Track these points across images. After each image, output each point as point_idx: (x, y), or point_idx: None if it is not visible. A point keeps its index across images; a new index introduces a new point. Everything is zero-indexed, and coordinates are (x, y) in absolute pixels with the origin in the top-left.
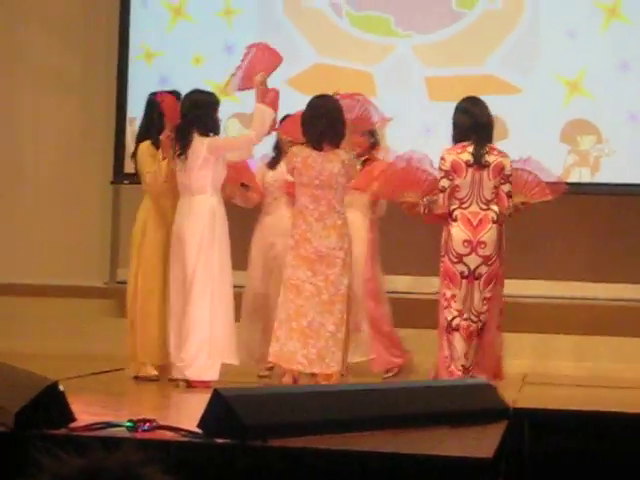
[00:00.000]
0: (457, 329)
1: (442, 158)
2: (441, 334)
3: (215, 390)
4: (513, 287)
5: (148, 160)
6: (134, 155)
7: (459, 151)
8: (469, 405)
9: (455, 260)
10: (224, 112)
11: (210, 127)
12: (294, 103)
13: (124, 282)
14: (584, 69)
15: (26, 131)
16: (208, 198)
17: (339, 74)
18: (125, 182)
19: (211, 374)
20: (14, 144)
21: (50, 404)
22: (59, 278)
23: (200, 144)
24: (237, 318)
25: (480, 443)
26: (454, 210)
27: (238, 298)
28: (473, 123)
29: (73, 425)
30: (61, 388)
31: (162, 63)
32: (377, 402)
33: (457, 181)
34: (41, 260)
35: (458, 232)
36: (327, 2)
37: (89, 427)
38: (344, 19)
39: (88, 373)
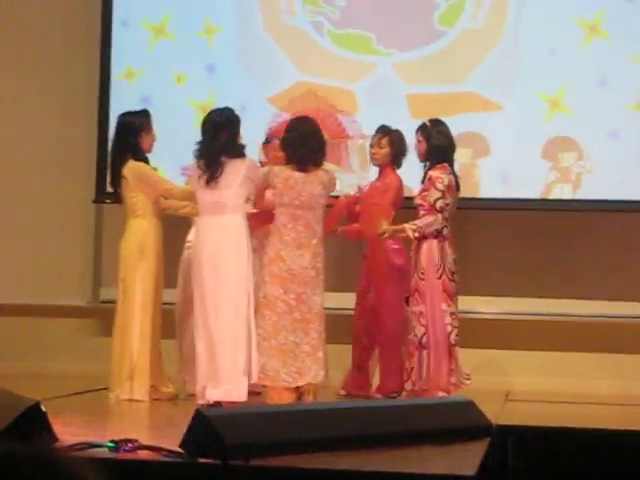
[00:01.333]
0: (456, 344)
1: (439, 178)
2: (437, 349)
3: (197, 409)
4: (500, 305)
5: (161, 178)
6: (117, 179)
7: (449, 171)
8: (452, 422)
9: (451, 277)
10: None
11: (239, 149)
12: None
13: (107, 301)
14: (564, 86)
15: (6, 150)
16: (242, 217)
17: (320, 92)
18: (107, 201)
19: (243, 394)
20: None
21: (32, 425)
22: (41, 297)
23: (240, 164)
24: None
25: (463, 460)
26: (443, 229)
27: None
28: (450, 144)
29: (55, 446)
30: (43, 409)
31: (143, 82)
32: (360, 420)
33: (447, 201)
34: (22, 279)
35: (449, 251)
36: (308, 20)
37: (71, 448)
38: (325, 37)
39: (70, 393)
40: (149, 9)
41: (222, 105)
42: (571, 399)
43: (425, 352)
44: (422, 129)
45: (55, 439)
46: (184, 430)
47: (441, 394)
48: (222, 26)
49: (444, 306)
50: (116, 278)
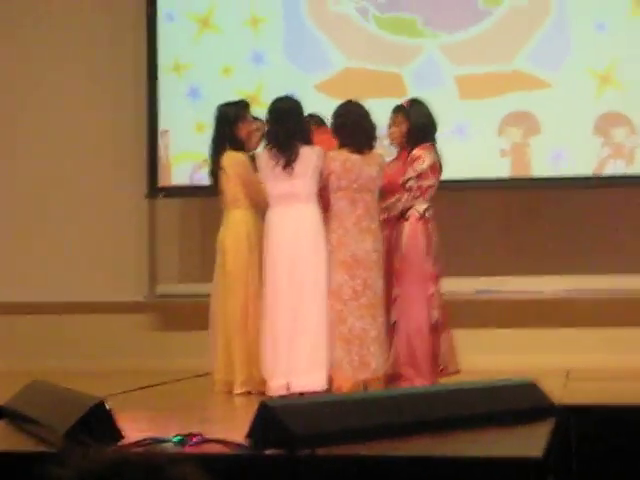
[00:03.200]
0: (441, 330)
1: (419, 157)
2: (421, 335)
3: (262, 401)
4: (551, 283)
5: (257, 174)
6: (216, 168)
7: (433, 152)
8: (515, 404)
9: (435, 260)
10: None
11: (309, 135)
12: (324, 109)
13: (164, 296)
14: (614, 61)
15: (58, 147)
16: (315, 206)
17: (369, 77)
18: (160, 195)
19: (322, 383)
20: (47, 161)
21: (98, 422)
22: (97, 294)
23: (310, 152)
24: None
25: (529, 442)
26: (426, 210)
27: None
28: (433, 124)
29: (121, 443)
30: (108, 406)
31: (191, 74)
32: (423, 406)
33: (431, 182)
34: (78, 277)
35: (434, 234)
36: (353, 6)
37: (137, 444)
38: (371, 22)
39: (133, 388)
40: (194, 1)
41: (271, 94)
42: (634, 375)
43: (398, 337)
44: (401, 109)
45: (120, 436)
46: (248, 423)
47: (419, 381)
48: (267, 16)
49: (427, 289)
50: (177, 273)
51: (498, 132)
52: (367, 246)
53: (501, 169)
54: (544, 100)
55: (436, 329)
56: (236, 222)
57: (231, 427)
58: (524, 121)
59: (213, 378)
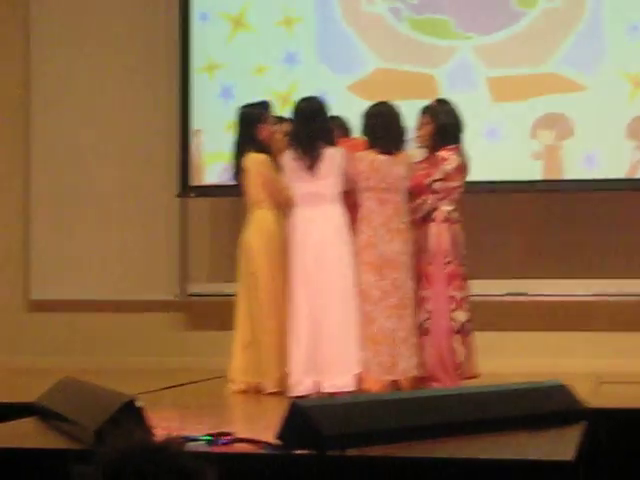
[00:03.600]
0: (469, 333)
1: (446, 159)
2: (449, 337)
3: (292, 401)
4: (583, 287)
5: (278, 175)
6: (239, 170)
7: (460, 153)
8: (546, 407)
9: (463, 262)
10: None
11: (332, 136)
12: (356, 110)
13: (196, 295)
14: None
15: (90, 147)
16: (340, 206)
17: (402, 78)
18: (191, 195)
19: (351, 384)
20: (78, 160)
21: (128, 420)
22: (129, 293)
23: (335, 152)
24: None
25: (560, 446)
26: (452, 212)
27: None
28: (459, 125)
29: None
30: (139, 404)
31: (224, 74)
32: (453, 408)
33: (457, 183)
34: (110, 276)
35: (461, 234)
36: (386, 7)
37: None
38: (404, 23)
39: (164, 387)
40: (227, 1)
41: (303, 95)
42: None
43: (427, 338)
44: (428, 110)
45: (152, 434)
46: (279, 422)
47: (448, 383)
48: (301, 16)
49: (454, 292)
50: (208, 272)
51: (531, 135)
52: (396, 247)
53: (533, 172)
54: (577, 103)
55: (464, 331)
56: (260, 223)
57: (262, 427)
58: (557, 124)
59: (227, 377)
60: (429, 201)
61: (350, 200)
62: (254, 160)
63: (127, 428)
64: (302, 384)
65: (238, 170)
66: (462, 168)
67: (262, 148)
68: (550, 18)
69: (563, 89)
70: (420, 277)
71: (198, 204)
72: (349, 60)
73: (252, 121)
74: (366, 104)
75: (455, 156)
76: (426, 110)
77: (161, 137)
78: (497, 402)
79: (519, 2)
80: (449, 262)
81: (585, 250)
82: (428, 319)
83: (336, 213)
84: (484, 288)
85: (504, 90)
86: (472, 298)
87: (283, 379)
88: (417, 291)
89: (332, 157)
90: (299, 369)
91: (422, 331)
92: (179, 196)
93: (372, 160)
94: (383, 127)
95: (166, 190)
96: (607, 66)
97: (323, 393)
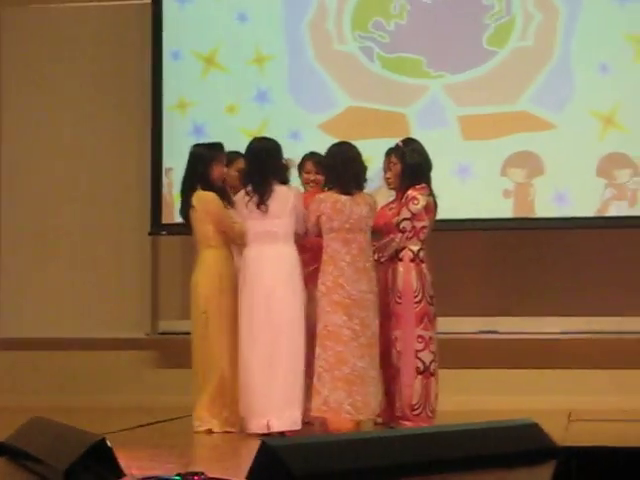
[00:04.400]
0: (434, 373)
1: (415, 198)
2: (412, 379)
3: (262, 441)
4: (553, 324)
5: (228, 211)
6: (186, 208)
7: (428, 192)
8: (517, 446)
9: (430, 301)
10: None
11: (286, 175)
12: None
13: (166, 333)
14: (618, 103)
15: (61, 183)
16: (293, 246)
17: (373, 116)
18: (163, 233)
19: (297, 422)
20: (49, 197)
21: (99, 460)
22: (99, 331)
23: (287, 191)
24: None
25: None
26: (419, 251)
27: None
28: (426, 162)
29: None
30: (109, 444)
31: (196, 112)
32: (424, 447)
33: (425, 223)
34: (81, 313)
35: (428, 274)
36: (357, 46)
37: None
38: (375, 62)
39: (135, 425)
40: (199, 39)
41: (274, 133)
42: (638, 416)
43: (397, 378)
44: (394, 150)
45: (122, 474)
46: (249, 461)
47: (406, 423)
48: (273, 54)
49: (422, 332)
50: (179, 310)
51: (501, 172)
52: (363, 286)
53: (504, 209)
54: (548, 141)
55: (427, 373)
56: (206, 262)
57: (233, 466)
58: (528, 162)
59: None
60: (397, 240)
61: (311, 243)
62: (202, 198)
63: (97, 469)
64: (257, 424)
65: (186, 208)
66: (430, 208)
67: (211, 187)
68: (520, 57)
69: (533, 127)
70: (390, 317)
71: (169, 241)
72: (321, 98)
73: (203, 160)
74: None
75: (423, 195)
76: (392, 151)
77: (132, 175)
78: (468, 440)
79: (489, 41)
80: (419, 301)
81: (555, 288)
82: (398, 359)
83: (288, 252)
84: (455, 326)
85: (475, 128)
86: (444, 335)
87: (232, 419)
88: (388, 330)
89: (284, 196)
90: (253, 409)
91: (394, 371)
92: (151, 234)
93: (334, 201)
94: (341, 168)
95: (137, 227)
96: (577, 104)
97: (273, 432)
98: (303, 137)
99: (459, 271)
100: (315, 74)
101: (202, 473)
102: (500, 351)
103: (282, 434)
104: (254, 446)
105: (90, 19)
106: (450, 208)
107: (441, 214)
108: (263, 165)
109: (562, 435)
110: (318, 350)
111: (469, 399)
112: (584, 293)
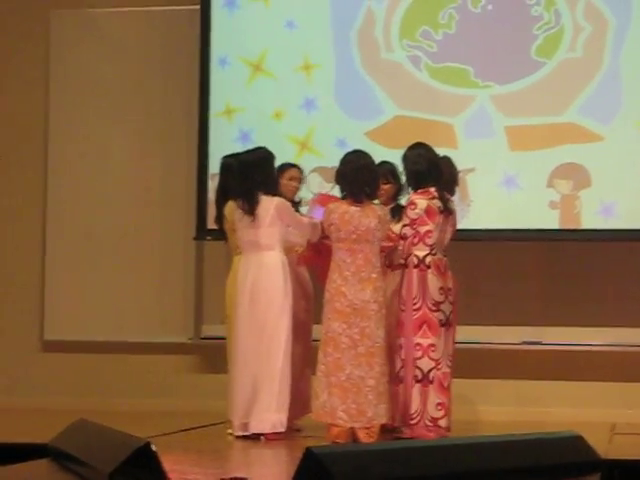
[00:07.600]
0: (432, 381)
1: (412, 203)
2: (410, 387)
3: (307, 448)
4: (598, 336)
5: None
6: (220, 217)
7: (430, 196)
8: (561, 458)
9: (434, 308)
10: (306, 167)
11: (273, 186)
12: (375, 157)
13: (209, 338)
14: None
15: (108, 188)
16: (278, 254)
17: (419, 126)
18: (208, 238)
19: (280, 425)
20: (97, 201)
21: (143, 464)
22: (144, 335)
23: (269, 202)
24: None
25: None
26: (425, 257)
27: None
28: (431, 168)
29: None
30: (153, 448)
31: (242, 119)
32: (469, 457)
33: (429, 227)
34: (125, 317)
35: (433, 279)
36: (405, 55)
37: None
38: (423, 71)
39: (177, 430)
40: (247, 46)
41: (321, 140)
42: None
43: (401, 387)
44: (385, 173)
45: (165, 478)
46: (293, 466)
47: (405, 432)
48: (320, 62)
49: (420, 339)
50: (219, 315)
51: (548, 184)
52: (366, 296)
53: (550, 221)
54: (595, 153)
55: (426, 381)
56: (234, 268)
57: (276, 471)
58: (574, 173)
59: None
60: (400, 247)
61: (326, 248)
62: (232, 207)
63: (141, 473)
64: (234, 424)
65: (220, 216)
66: (433, 212)
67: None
68: (569, 68)
69: (581, 139)
70: (396, 325)
71: (214, 247)
72: (368, 106)
73: (233, 170)
74: (385, 151)
75: (423, 200)
76: (385, 173)
77: (179, 180)
78: (513, 452)
79: (538, 52)
80: (417, 308)
81: (601, 299)
82: (402, 367)
83: (271, 259)
84: (499, 336)
85: (522, 139)
86: (487, 346)
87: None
88: (396, 338)
89: (266, 208)
90: (231, 409)
91: (398, 379)
92: (196, 239)
93: (343, 212)
94: (351, 177)
95: (183, 232)
96: (625, 116)
97: (255, 434)
98: (350, 145)
99: (503, 281)
100: (362, 82)
101: (245, 478)
102: (544, 362)
103: (260, 436)
104: (298, 452)
105: (139, 24)
106: (495, 218)
107: (486, 224)
108: (252, 177)
109: (605, 448)
110: (320, 355)
111: (512, 410)
112: (630, 305)
